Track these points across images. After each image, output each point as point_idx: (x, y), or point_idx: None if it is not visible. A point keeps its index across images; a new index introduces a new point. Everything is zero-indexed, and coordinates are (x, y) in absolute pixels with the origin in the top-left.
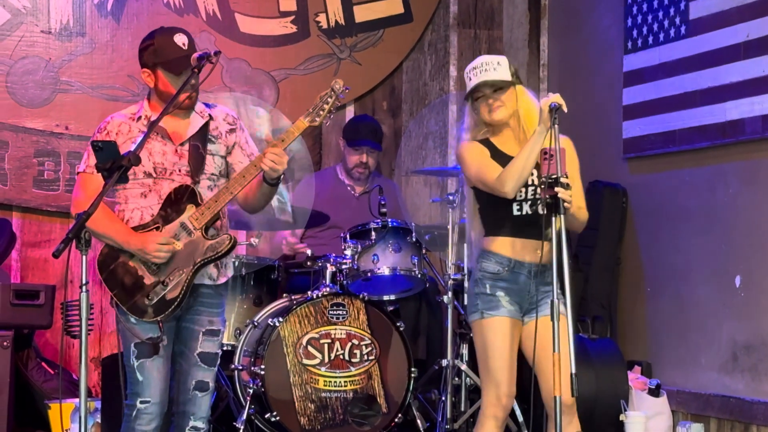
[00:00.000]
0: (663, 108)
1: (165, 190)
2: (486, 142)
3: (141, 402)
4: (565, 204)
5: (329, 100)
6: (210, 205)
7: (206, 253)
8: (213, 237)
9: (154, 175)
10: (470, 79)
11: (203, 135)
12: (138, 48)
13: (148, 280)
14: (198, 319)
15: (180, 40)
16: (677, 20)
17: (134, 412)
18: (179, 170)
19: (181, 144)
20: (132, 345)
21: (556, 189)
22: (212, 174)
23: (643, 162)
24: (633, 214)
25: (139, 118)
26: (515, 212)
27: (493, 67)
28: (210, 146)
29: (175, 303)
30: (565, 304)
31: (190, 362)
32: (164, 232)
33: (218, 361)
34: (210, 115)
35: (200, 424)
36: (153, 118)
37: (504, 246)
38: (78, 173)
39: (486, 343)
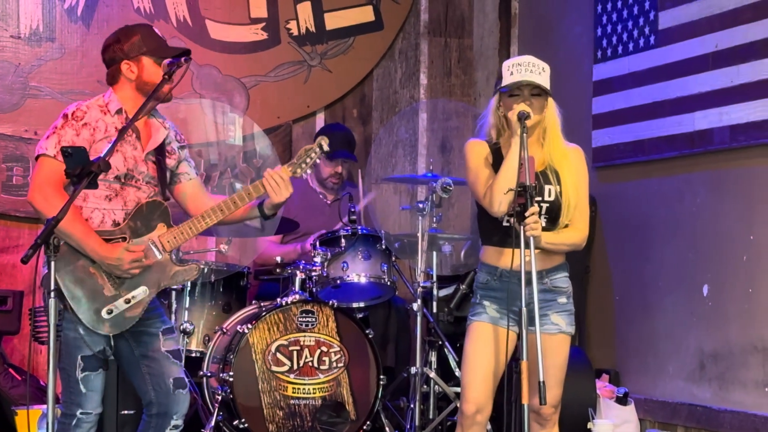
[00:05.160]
0: (632, 117)
1: (131, 197)
2: (496, 150)
3: (82, 413)
4: (534, 233)
5: (312, 155)
6: (183, 231)
7: (173, 278)
8: (180, 263)
9: (123, 180)
10: (511, 74)
11: (163, 149)
12: (111, 44)
13: (108, 291)
14: (151, 323)
15: (158, 30)
16: (646, 30)
17: (74, 421)
18: (143, 179)
19: (148, 153)
20: (79, 357)
21: (525, 222)
22: None
23: (612, 171)
24: (602, 222)
25: (119, 110)
26: (504, 223)
27: (538, 70)
28: (167, 161)
29: (134, 322)
30: (533, 312)
31: (161, 362)
32: (133, 246)
33: (183, 356)
34: (168, 128)
35: (180, 422)
36: (128, 111)
37: (492, 256)
38: (40, 155)
39: (464, 347)
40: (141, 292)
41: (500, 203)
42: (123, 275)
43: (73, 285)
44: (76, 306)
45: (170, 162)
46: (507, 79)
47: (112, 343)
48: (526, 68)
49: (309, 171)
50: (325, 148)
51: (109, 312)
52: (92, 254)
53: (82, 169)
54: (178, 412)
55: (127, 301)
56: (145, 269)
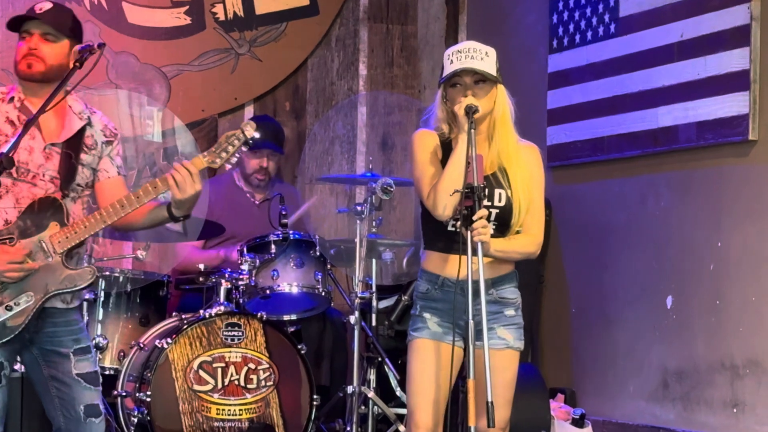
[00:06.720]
0: (590, 113)
1: (24, 194)
2: (447, 144)
3: None
4: (482, 239)
5: (235, 142)
6: (78, 230)
7: (63, 283)
8: (73, 266)
9: (15, 175)
10: (451, 63)
11: (78, 141)
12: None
13: None
14: (60, 341)
15: (39, 5)
16: (606, 18)
17: None
18: (43, 175)
19: (52, 144)
20: None
21: (473, 227)
22: (78, 184)
23: (569, 171)
24: (557, 227)
25: (12, 98)
26: (449, 228)
27: (480, 55)
28: (83, 156)
29: (16, 332)
30: (480, 326)
31: (72, 386)
32: (18, 247)
33: (100, 379)
34: (89, 118)
35: None
36: (24, 98)
37: (435, 262)
38: None
39: (408, 366)
40: (25, 299)
41: (445, 206)
42: (2, 279)
43: None
44: None
45: (87, 158)
46: (447, 69)
47: (18, 358)
48: (466, 55)
49: (233, 160)
50: (250, 133)
51: None
52: None
53: None
54: None
55: (9, 308)
56: (32, 273)
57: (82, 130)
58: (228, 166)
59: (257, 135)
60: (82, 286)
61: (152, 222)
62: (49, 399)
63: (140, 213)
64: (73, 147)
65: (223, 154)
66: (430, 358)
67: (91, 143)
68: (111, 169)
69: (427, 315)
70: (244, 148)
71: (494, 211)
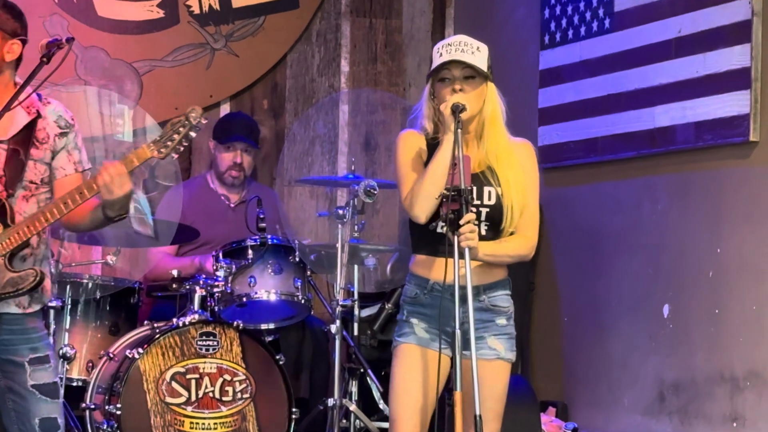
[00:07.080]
0: (584, 112)
1: None
2: (434, 146)
3: None
4: (469, 244)
5: (181, 129)
6: (20, 231)
7: (5, 287)
8: (16, 269)
9: None
10: (440, 55)
11: (27, 136)
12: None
13: None
14: (15, 350)
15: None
16: (601, 12)
17: None
18: None
19: None
20: None
21: (460, 231)
22: (31, 182)
23: (561, 173)
24: (549, 232)
25: None
26: (438, 230)
27: (471, 49)
28: (33, 151)
29: None
30: (468, 335)
31: (27, 398)
32: None
33: (60, 392)
34: (38, 111)
35: None
36: None
37: (422, 266)
38: None
39: (391, 373)
40: None
41: (424, 210)
42: None
43: None
44: None
45: (39, 153)
46: (436, 62)
47: None
48: (457, 48)
49: (181, 149)
50: (195, 119)
51: None
52: None
53: None
54: None
55: None
56: None
57: (32, 124)
58: (175, 155)
59: (204, 120)
60: (25, 288)
61: (94, 223)
62: (5, 412)
63: (82, 213)
64: (22, 143)
65: (169, 143)
66: (415, 365)
67: (43, 137)
68: (68, 167)
69: (414, 320)
70: (192, 134)
71: (484, 210)
